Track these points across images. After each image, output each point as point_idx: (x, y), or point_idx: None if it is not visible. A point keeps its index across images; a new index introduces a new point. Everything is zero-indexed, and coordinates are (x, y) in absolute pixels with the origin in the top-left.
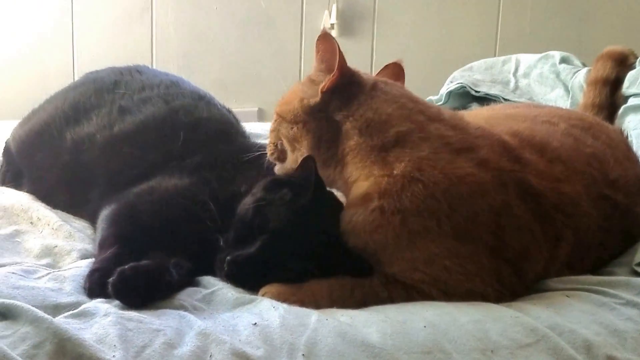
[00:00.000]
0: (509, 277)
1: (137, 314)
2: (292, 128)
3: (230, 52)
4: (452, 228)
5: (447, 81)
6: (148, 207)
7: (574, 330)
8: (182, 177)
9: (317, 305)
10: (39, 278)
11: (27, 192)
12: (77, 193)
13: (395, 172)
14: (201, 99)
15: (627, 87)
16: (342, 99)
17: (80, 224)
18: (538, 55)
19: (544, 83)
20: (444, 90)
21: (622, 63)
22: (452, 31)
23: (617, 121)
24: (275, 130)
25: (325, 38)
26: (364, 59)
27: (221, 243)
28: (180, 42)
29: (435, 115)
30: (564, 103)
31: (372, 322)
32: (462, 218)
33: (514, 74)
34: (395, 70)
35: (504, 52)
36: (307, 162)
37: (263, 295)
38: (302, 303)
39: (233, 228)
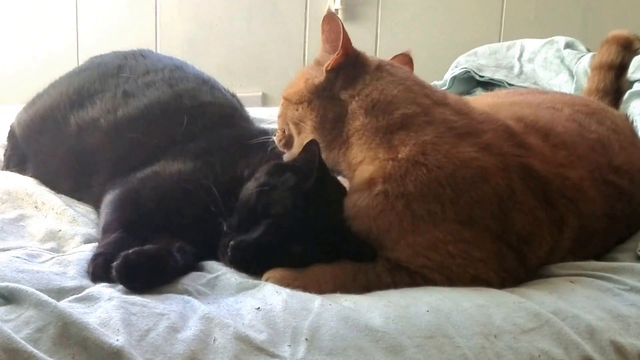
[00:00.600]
0: (512, 263)
1: (141, 298)
2: (297, 109)
3: (234, 36)
4: (456, 213)
5: (452, 66)
6: (152, 191)
7: (578, 316)
8: (185, 161)
9: (320, 290)
10: (43, 262)
11: (32, 176)
12: (81, 177)
13: (400, 156)
14: (205, 84)
15: (632, 72)
16: (347, 79)
17: (84, 208)
18: (543, 40)
19: (549, 68)
20: (448, 75)
21: (627, 48)
22: (456, 16)
23: (622, 106)
24: (282, 115)
25: (330, 18)
26: (368, 44)
27: (224, 228)
28: (184, 27)
29: (440, 99)
30: (569, 88)
31: (375, 307)
32: (466, 203)
33: (519, 59)
34: (404, 61)
35: (509, 37)
36: (311, 146)
37: (266, 280)
38: (305, 288)
39: (236, 213)
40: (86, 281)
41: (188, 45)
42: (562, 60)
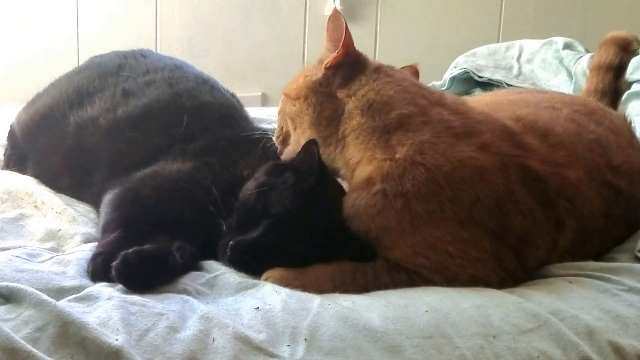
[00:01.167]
0: (511, 263)
1: (140, 298)
2: (294, 105)
3: (234, 36)
4: (454, 212)
5: (451, 66)
6: (151, 191)
7: (576, 316)
8: (185, 161)
9: (319, 289)
10: (42, 262)
11: (32, 175)
12: (80, 177)
13: (397, 156)
14: (205, 83)
15: (630, 73)
16: (345, 77)
17: (84, 207)
18: (541, 41)
19: (547, 69)
20: (447, 76)
21: (626, 49)
22: (455, 17)
23: (620, 107)
24: (281, 111)
25: (335, 17)
26: (368, 45)
27: (224, 228)
28: (184, 27)
29: (438, 99)
30: (567, 89)
31: (374, 307)
32: (465, 202)
33: (518, 60)
34: (411, 73)
35: (508, 37)
36: (310, 146)
37: (266, 280)
38: (305, 288)
39: (236, 213)
40: (86, 281)
41: (188, 45)
42: (561, 61)
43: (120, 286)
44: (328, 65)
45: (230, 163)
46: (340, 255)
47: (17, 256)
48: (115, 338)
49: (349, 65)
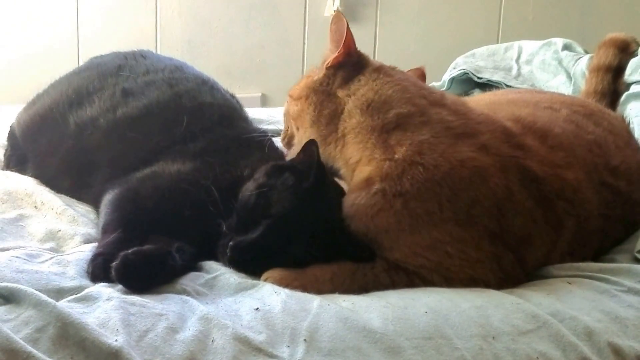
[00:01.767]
0: (510, 264)
1: (140, 299)
2: (297, 105)
3: (234, 37)
4: (453, 213)
5: (450, 67)
6: (151, 192)
7: (575, 317)
8: (185, 162)
9: (319, 290)
10: (42, 262)
11: (32, 176)
12: (80, 177)
13: (396, 156)
14: (205, 84)
15: (629, 75)
16: (345, 77)
17: (83, 208)
18: (540, 42)
19: (546, 70)
20: (446, 77)
21: (625, 50)
22: (454, 18)
23: (619, 108)
24: (286, 113)
25: (337, 18)
26: (367, 46)
27: (224, 228)
28: (184, 28)
29: (438, 100)
30: (566, 90)
31: (373, 308)
32: (464, 203)
33: (517, 61)
34: (417, 75)
35: (507, 38)
36: (310, 146)
37: (265, 280)
38: (304, 288)
39: (235, 213)
40: (85, 281)
41: (188, 46)
42: (560, 62)
43: (119, 287)
44: (329, 64)
45: (230, 163)
46: (340, 256)
47: (17, 257)
48: (114, 339)
49: (349, 65)
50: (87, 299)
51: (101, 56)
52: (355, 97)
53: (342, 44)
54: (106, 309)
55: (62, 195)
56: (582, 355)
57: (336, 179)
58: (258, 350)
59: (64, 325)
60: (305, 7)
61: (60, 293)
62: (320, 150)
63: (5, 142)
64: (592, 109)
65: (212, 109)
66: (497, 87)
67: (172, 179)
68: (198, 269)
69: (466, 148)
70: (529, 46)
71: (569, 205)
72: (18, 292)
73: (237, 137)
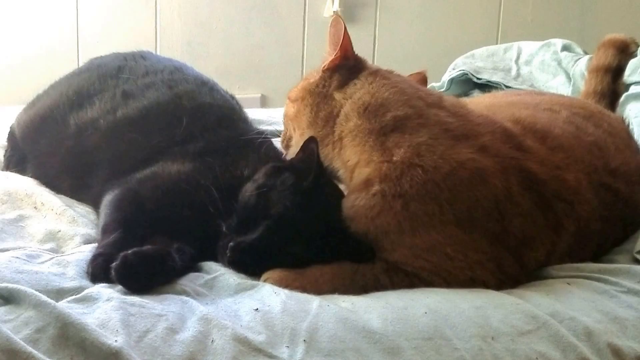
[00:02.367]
0: (510, 266)
1: (140, 299)
2: (294, 107)
3: (233, 38)
4: (453, 214)
5: (449, 68)
6: (151, 192)
7: (575, 318)
8: (184, 162)
9: (318, 291)
10: (42, 263)
11: (32, 177)
12: (80, 178)
13: (395, 158)
14: (204, 85)
15: (628, 75)
16: (342, 80)
17: (83, 208)
18: (540, 43)
19: (546, 70)
20: (446, 77)
21: (624, 51)
22: (454, 19)
23: (618, 109)
24: (285, 115)
25: (335, 22)
26: (367, 47)
27: (223, 229)
28: (184, 29)
29: (435, 102)
30: (566, 90)
31: (373, 308)
32: (464, 204)
33: (516, 62)
34: (418, 79)
35: (506, 39)
36: (309, 144)
37: (265, 281)
38: (304, 289)
39: (235, 214)
40: (85, 282)
41: (187, 47)
42: (559, 63)
43: (119, 287)
44: (325, 67)
45: (230, 164)
46: (339, 256)
47: (16, 257)
48: (114, 339)
49: (346, 68)
50: (87, 300)
51: (101, 57)
52: (352, 100)
53: (339, 47)
54: (106, 310)
55: (62, 196)
56: (581, 356)
57: (335, 182)
58: (258, 350)
59: (63, 325)
60: (304, 8)
61: (60, 294)
62: (319, 151)
63: (5, 143)
64: (592, 111)
65: (212, 110)
66: (496, 88)
67: (172, 180)
68: (198, 269)
69: (466, 149)
70: (528, 47)
71: (569, 207)
72: (18, 293)
73: (237, 137)
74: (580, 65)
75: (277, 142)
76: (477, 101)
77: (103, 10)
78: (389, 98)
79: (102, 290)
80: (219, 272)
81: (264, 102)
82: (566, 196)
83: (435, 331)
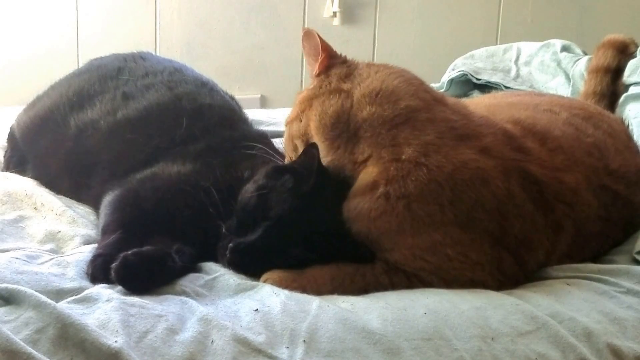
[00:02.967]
0: (510, 267)
1: (140, 300)
2: (300, 120)
3: (233, 39)
4: (454, 215)
5: (449, 69)
6: (151, 193)
7: (574, 318)
8: (184, 163)
9: (318, 291)
10: (42, 263)
11: (32, 177)
12: (80, 179)
13: (403, 157)
14: (204, 86)
15: (628, 76)
16: (342, 74)
17: (83, 209)
18: (539, 44)
19: (545, 71)
20: (445, 78)
21: (623, 52)
22: (453, 19)
23: (617, 110)
24: (288, 139)
25: (307, 35)
26: (366, 47)
27: (223, 229)
28: (183, 30)
29: (440, 97)
30: (565, 91)
31: (372, 309)
32: (465, 205)
33: (515, 62)
34: None
35: (506, 40)
36: (310, 149)
37: (265, 282)
38: (304, 289)
39: (235, 215)
40: (85, 282)
41: (187, 47)
42: (559, 64)
43: (119, 288)
44: (317, 72)
45: (230, 165)
46: (339, 258)
47: (16, 258)
48: (114, 340)
49: (339, 64)
50: (87, 300)
51: (101, 58)
52: (362, 86)
53: (321, 50)
54: (106, 310)
55: (62, 197)
56: (581, 356)
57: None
58: (257, 351)
59: (63, 326)
60: (304, 9)
61: (60, 294)
62: (328, 159)
63: (5, 144)
64: (592, 112)
65: (212, 111)
66: (496, 89)
67: (171, 180)
68: (198, 270)
69: (468, 150)
70: (527, 47)
71: (569, 208)
72: (18, 293)
73: (237, 138)
74: (580, 66)
75: (277, 143)
76: (476, 102)
77: (103, 10)
78: (399, 86)
79: (102, 290)
80: (218, 272)
81: (263, 102)
82: (566, 198)
83: (435, 332)
